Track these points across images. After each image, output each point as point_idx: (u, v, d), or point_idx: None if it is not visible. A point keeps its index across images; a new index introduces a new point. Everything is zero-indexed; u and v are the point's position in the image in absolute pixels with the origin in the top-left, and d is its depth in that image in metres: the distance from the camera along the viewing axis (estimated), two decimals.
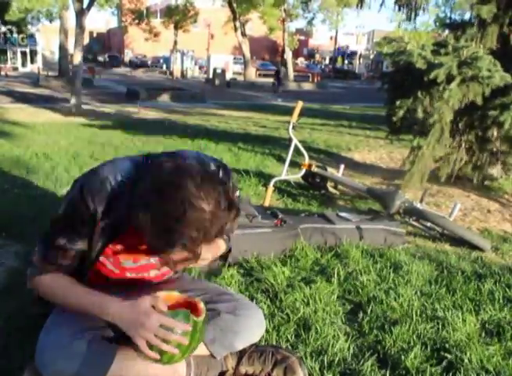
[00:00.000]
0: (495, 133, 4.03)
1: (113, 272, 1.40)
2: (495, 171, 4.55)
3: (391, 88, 4.54)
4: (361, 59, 50.98)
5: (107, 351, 1.25)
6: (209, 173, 1.15)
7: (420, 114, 3.85)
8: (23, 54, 36.89)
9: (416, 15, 5.01)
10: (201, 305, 1.23)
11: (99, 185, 1.22)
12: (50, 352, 1.23)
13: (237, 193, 1.38)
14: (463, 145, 4.26)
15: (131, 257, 1.37)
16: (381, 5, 5.44)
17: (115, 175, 1.23)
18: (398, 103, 3.98)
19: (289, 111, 4.20)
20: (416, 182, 4.02)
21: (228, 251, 1.57)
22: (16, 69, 33.05)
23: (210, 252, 1.25)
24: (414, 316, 1.98)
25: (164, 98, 15.72)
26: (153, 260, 1.40)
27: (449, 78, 3.72)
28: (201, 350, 1.35)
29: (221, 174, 1.28)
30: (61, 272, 1.30)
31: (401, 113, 3.96)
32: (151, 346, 1.14)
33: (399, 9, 5.10)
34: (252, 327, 1.44)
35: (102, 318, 1.21)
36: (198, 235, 1.08)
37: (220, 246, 1.35)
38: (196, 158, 1.24)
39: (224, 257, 1.56)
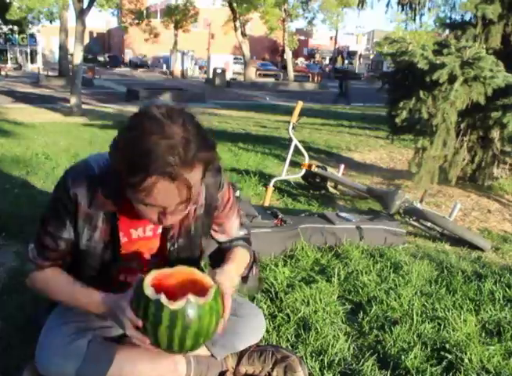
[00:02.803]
0: (498, 134, 4.03)
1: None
2: (496, 171, 4.55)
3: (392, 89, 4.54)
4: (361, 59, 50.97)
5: (107, 351, 1.25)
6: (175, 105, 1.15)
7: (424, 115, 3.84)
8: (24, 54, 36.90)
9: (421, 15, 5.02)
10: (212, 290, 1.12)
11: (80, 171, 1.25)
12: (50, 352, 1.23)
13: (224, 175, 1.39)
14: (465, 145, 4.25)
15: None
16: (387, 5, 5.44)
17: (98, 163, 1.24)
18: (401, 104, 3.97)
19: (289, 111, 4.20)
20: (426, 183, 4.02)
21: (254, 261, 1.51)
22: (16, 69, 33.04)
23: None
24: (414, 316, 1.98)
25: (164, 98, 15.71)
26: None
27: (452, 79, 3.72)
28: (202, 350, 1.35)
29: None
30: (56, 266, 1.30)
31: (404, 113, 3.96)
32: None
33: (402, 9, 5.11)
34: (252, 328, 1.44)
35: (94, 312, 1.22)
36: (174, 159, 1.02)
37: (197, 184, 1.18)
38: None
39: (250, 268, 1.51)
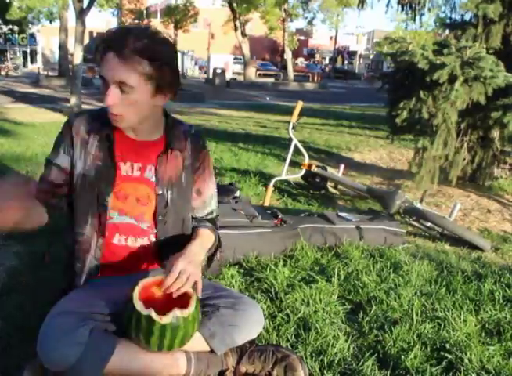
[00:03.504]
0: (498, 134, 4.03)
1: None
2: (496, 171, 4.55)
3: (392, 89, 4.54)
4: (361, 59, 50.98)
5: (109, 341, 1.27)
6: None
7: (425, 115, 3.84)
8: (24, 54, 36.89)
9: (421, 15, 5.01)
10: (192, 301, 1.27)
11: (84, 110, 1.53)
12: (52, 339, 1.23)
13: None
14: (466, 145, 4.25)
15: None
16: (387, 5, 5.43)
17: (100, 109, 1.43)
18: (401, 104, 3.97)
19: (289, 111, 4.20)
20: (427, 183, 4.02)
21: (218, 246, 1.58)
22: (16, 69, 33.02)
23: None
24: (414, 316, 1.98)
25: None
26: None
27: (452, 79, 3.72)
28: (201, 346, 1.36)
29: None
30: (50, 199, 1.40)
31: (404, 114, 3.96)
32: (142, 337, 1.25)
33: (402, 9, 5.11)
34: (251, 321, 1.44)
35: None
36: (121, 39, 1.24)
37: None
38: None
39: (213, 252, 1.57)
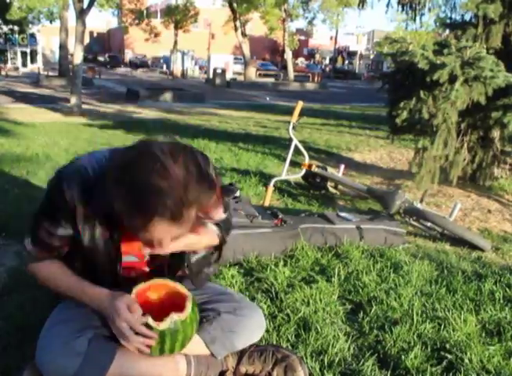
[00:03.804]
0: (498, 134, 4.03)
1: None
2: (496, 171, 4.55)
3: (392, 89, 4.54)
4: (361, 60, 50.96)
5: (108, 349, 1.25)
6: (177, 143, 1.14)
7: (425, 115, 3.84)
8: (24, 54, 36.89)
9: (421, 15, 5.01)
10: (188, 304, 1.27)
11: (74, 172, 1.25)
12: (51, 350, 1.23)
13: (220, 178, 1.36)
14: (466, 145, 4.25)
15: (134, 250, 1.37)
16: (387, 5, 5.42)
17: (92, 164, 1.25)
18: (401, 104, 3.97)
19: (289, 111, 4.20)
20: (427, 183, 4.02)
21: (222, 242, 1.49)
22: (16, 69, 33.02)
23: (201, 237, 1.27)
24: (414, 316, 1.98)
25: (165, 98, 15.71)
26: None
27: (452, 79, 3.72)
28: (201, 349, 1.35)
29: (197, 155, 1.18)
30: (54, 258, 1.35)
31: (404, 114, 3.95)
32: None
33: (402, 9, 5.10)
34: (252, 327, 1.44)
35: (89, 304, 1.29)
36: (173, 202, 1.04)
37: (210, 231, 1.37)
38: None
39: (218, 249, 1.52)
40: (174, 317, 1.23)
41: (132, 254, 1.33)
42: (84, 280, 1.32)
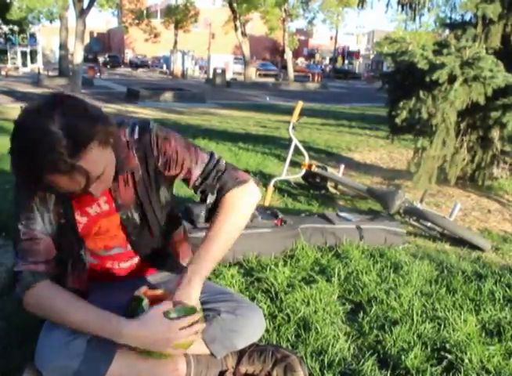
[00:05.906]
0: (497, 134, 4.03)
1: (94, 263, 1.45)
2: (496, 171, 4.55)
3: (392, 89, 4.54)
4: (361, 60, 50.99)
5: (107, 350, 1.25)
6: (50, 95, 1.14)
7: (424, 115, 3.84)
8: (24, 54, 36.88)
9: (421, 15, 5.02)
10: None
11: None
12: (50, 351, 1.23)
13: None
14: (465, 145, 4.25)
15: (100, 244, 1.41)
16: (387, 5, 5.43)
17: None
18: (401, 104, 3.97)
19: (289, 111, 4.20)
20: (425, 183, 4.02)
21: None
22: (16, 69, 33.01)
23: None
24: (414, 316, 1.98)
25: (165, 98, 15.71)
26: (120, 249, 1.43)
27: (451, 79, 3.72)
28: (201, 349, 1.35)
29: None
30: (47, 277, 1.28)
31: (404, 114, 3.95)
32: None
33: (402, 9, 5.11)
34: (252, 326, 1.44)
35: (112, 339, 1.19)
36: (60, 154, 1.02)
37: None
38: None
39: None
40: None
41: (89, 206, 1.34)
42: (97, 308, 1.22)
